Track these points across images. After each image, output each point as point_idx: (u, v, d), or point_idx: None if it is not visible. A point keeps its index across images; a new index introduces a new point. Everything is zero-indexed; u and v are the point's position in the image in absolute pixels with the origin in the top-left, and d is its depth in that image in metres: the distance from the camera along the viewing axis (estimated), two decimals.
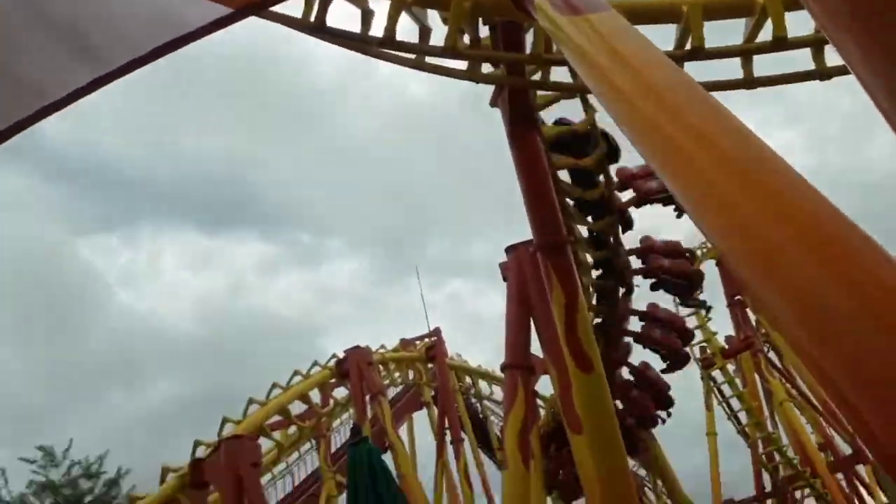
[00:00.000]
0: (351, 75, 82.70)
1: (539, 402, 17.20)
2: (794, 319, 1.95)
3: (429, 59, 7.08)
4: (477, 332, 73.81)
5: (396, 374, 25.10)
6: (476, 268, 78.31)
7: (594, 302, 12.81)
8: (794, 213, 2.05)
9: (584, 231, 11.73)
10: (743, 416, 24.31)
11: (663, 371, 16.02)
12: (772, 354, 27.28)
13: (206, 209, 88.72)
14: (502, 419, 13.64)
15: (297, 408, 19.13)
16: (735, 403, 24.14)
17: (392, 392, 25.10)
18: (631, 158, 12.01)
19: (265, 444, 17.95)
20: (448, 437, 23.54)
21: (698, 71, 6.58)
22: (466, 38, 7.02)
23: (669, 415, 16.95)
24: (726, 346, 24.33)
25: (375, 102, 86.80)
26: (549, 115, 9.57)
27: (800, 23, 6.71)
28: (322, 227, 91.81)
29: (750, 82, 6.88)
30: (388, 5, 6.78)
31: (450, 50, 6.89)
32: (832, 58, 6.80)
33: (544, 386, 14.43)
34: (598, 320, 13.25)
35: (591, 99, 9.26)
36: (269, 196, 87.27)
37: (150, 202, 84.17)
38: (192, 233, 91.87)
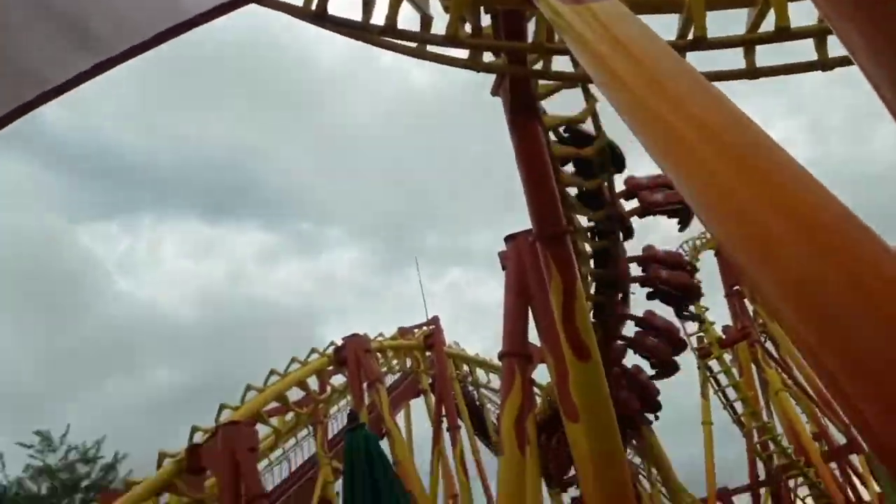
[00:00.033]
0: (353, 63, 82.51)
1: (535, 390, 17.34)
2: (791, 308, 1.96)
3: (430, 48, 7.05)
4: (475, 320, 74.14)
5: (394, 362, 25.17)
6: (476, 257, 78.51)
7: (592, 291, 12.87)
8: (795, 203, 2.06)
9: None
10: (739, 406, 24.45)
11: (652, 377, 16.20)
12: (768, 344, 27.43)
13: (206, 197, 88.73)
14: (499, 407, 13.69)
15: (294, 394, 19.20)
16: (731, 393, 24.26)
17: (390, 379, 25.18)
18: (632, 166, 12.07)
19: (262, 430, 18.03)
20: (445, 425, 23.65)
21: (700, 61, 6.57)
22: (468, 27, 6.99)
23: (657, 418, 17.10)
24: (723, 336, 24.42)
25: (377, 91, 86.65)
26: (549, 105, 9.56)
27: (803, 13, 6.69)
28: (322, 215, 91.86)
29: (752, 72, 6.86)
30: None
31: (451, 38, 6.86)
32: (835, 49, 6.79)
33: (541, 374, 14.53)
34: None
35: (593, 88, 9.24)
36: (269, 184, 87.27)
37: (150, 190, 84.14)
38: (193, 221, 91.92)
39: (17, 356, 51.71)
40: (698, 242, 26.96)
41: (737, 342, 24.93)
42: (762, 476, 25.66)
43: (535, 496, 11.43)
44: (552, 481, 19.30)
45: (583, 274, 11.11)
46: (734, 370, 24.42)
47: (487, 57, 7.49)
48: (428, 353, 25.96)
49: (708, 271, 27.67)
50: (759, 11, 6.70)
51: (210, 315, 78.03)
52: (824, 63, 6.83)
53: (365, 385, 19.52)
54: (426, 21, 6.90)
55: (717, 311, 26.99)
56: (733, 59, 6.93)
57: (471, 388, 29.82)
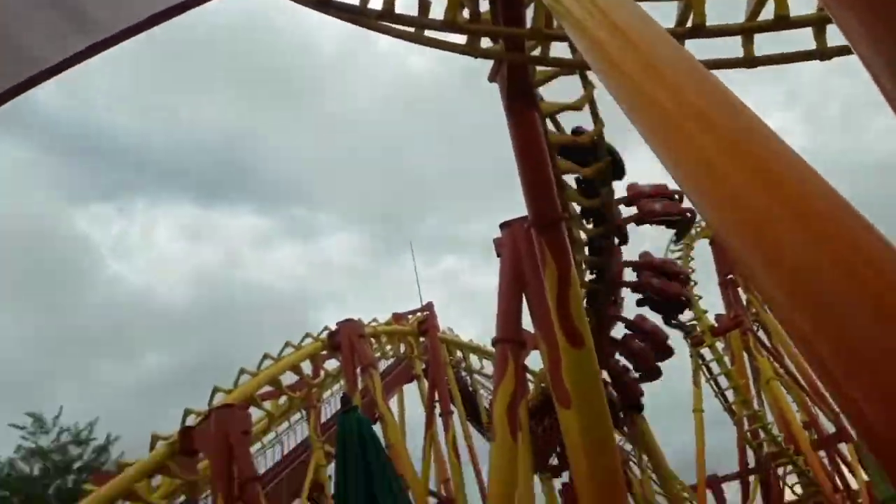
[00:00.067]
0: (350, 47, 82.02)
1: (528, 376, 17.41)
2: (785, 296, 1.97)
3: (428, 33, 7.01)
4: (469, 307, 74.29)
5: (388, 348, 25.23)
6: (471, 244, 78.58)
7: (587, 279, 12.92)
8: (790, 190, 2.06)
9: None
10: (730, 394, 24.61)
11: (635, 381, 16.37)
12: (761, 333, 27.56)
13: (200, 180, 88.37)
14: (491, 393, 13.77)
15: (288, 378, 19.24)
16: (723, 381, 24.41)
17: (383, 365, 25.26)
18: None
19: (255, 413, 18.07)
20: (437, 410, 23.74)
21: (699, 49, 6.55)
22: (466, 12, 6.95)
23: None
24: (716, 325, 24.53)
25: (374, 75, 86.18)
26: (547, 92, 9.53)
27: (802, 1, 6.68)
28: (317, 200, 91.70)
29: (751, 61, 6.84)
30: None
31: (449, 23, 6.82)
32: (833, 38, 6.78)
33: (534, 361, 14.61)
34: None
35: (591, 75, 9.22)
36: (264, 168, 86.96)
37: (144, 173, 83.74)
38: (187, 204, 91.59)
39: (10, 338, 51.64)
40: (693, 231, 27.03)
41: (729, 330, 25.06)
42: (752, 464, 25.87)
43: (526, 482, 11.54)
44: (543, 467, 19.42)
45: (577, 262, 11.15)
46: (726, 358, 24.55)
47: (485, 43, 7.46)
48: (422, 339, 26.03)
49: (702, 260, 27.82)
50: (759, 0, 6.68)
51: (203, 299, 77.99)
52: (823, 52, 6.82)
53: (358, 370, 19.56)
54: (424, 5, 6.86)
55: (711, 299, 27.13)
56: (732, 47, 6.93)
57: (464, 373, 29.95)
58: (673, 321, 16.11)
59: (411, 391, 27.13)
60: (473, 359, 30.02)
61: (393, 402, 24.86)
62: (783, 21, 6.69)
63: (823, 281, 1.84)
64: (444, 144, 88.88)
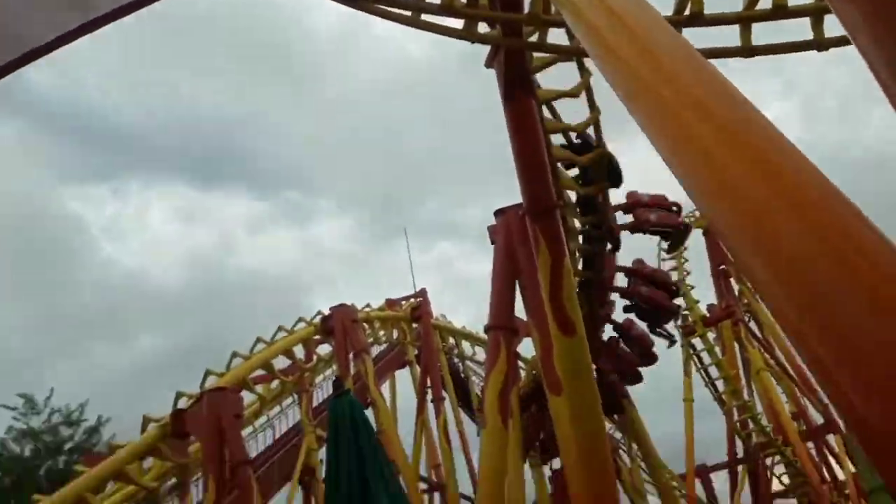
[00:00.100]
0: (348, 30, 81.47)
1: (520, 363, 17.48)
2: (780, 286, 1.97)
3: (425, 17, 6.96)
4: (463, 294, 74.32)
5: (381, 333, 25.27)
6: (465, 231, 78.52)
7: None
8: (787, 181, 2.06)
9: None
10: (720, 384, 24.76)
11: (618, 382, 16.54)
12: (752, 324, 27.69)
13: (196, 163, 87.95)
14: (483, 379, 13.82)
15: (280, 363, 19.25)
16: (713, 371, 24.55)
17: (376, 350, 25.30)
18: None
19: (247, 397, 18.09)
20: (429, 396, 23.81)
21: (696, 38, 6.53)
22: None
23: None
24: (707, 315, 24.63)
25: (371, 60, 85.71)
26: (544, 78, 9.49)
27: None
28: (312, 184, 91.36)
29: (748, 50, 6.83)
30: None
31: (446, 8, 6.78)
32: (831, 29, 6.77)
33: (526, 348, 14.66)
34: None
35: (588, 63, 9.17)
36: (259, 151, 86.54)
37: (138, 154, 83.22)
38: (181, 186, 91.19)
39: (1, 319, 51.48)
40: (688, 220, 27.06)
41: (721, 321, 25.17)
42: (740, 454, 26.06)
43: (516, 468, 11.60)
44: (533, 453, 19.53)
45: (571, 250, 11.16)
46: (717, 349, 24.67)
47: (483, 28, 7.41)
48: (415, 325, 26.07)
49: (696, 250, 27.90)
50: None
51: (197, 281, 77.82)
52: (820, 43, 6.81)
53: (351, 355, 19.59)
54: None
55: (703, 290, 27.24)
56: (729, 37, 6.91)
57: (456, 360, 30.01)
58: (658, 329, 16.29)
59: (403, 377, 27.23)
60: (466, 345, 30.10)
61: (385, 388, 24.94)
62: (781, 10, 6.67)
63: (819, 272, 1.84)
64: (441, 130, 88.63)
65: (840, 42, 6.62)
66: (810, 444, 24.98)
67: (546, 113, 9.64)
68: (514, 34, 7.47)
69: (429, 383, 23.92)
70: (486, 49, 8.16)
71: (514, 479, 11.52)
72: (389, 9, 6.85)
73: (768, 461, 25.42)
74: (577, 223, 11.88)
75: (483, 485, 10.36)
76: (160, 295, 71.13)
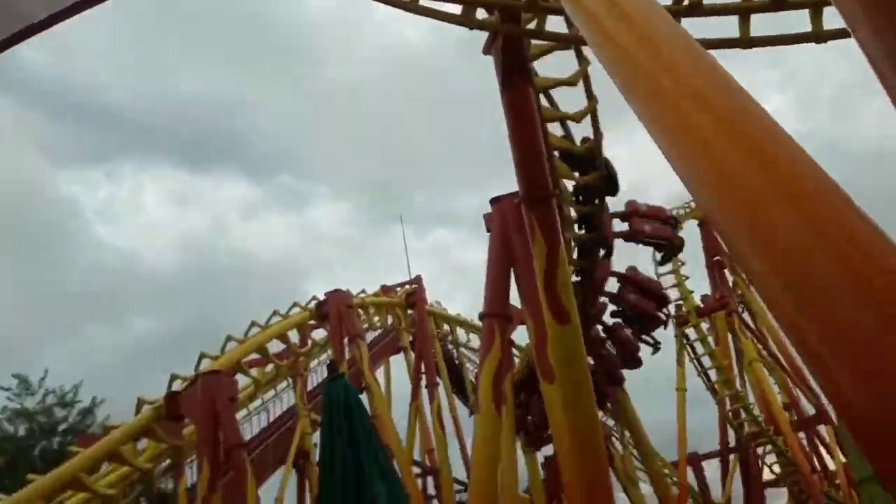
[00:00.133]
0: (346, 15, 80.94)
1: (514, 350, 17.52)
2: (776, 277, 1.97)
3: (423, 2, 6.93)
4: (459, 281, 74.41)
5: (376, 319, 25.31)
6: (461, 218, 78.44)
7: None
8: (784, 172, 2.06)
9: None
10: (713, 374, 24.87)
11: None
12: (746, 315, 27.79)
13: (190, 146, 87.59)
14: (477, 366, 13.88)
15: (275, 347, 19.29)
16: (706, 361, 24.65)
17: (371, 336, 25.34)
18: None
19: (242, 380, 18.12)
20: (423, 381, 23.90)
21: (695, 29, 6.50)
22: None
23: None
24: (702, 305, 24.70)
25: (369, 46, 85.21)
26: (541, 66, 9.44)
27: None
28: (308, 169, 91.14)
29: (747, 42, 6.81)
30: None
31: None
32: (830, 21, 6.75)
33: (520, 336, 14.72)
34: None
35: (586, 51, 9.13)
36: (255, 136, 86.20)
37: (132, 136, 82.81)
38: (175, 169, 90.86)
39: None
40: (682, 212, 27.11)
41: (714, 311, 25.26)
42: (732, 443, 26.23)
43: (509, 454, 11.63)
44: (526, 439, 19.61)
45: (566, 239, 11.16)
46: (710, 339, 24.77)
47: (481, 14, 7.37)
48: (409, 312, 26.11)
49: (691, 241, 27.92)
50: None
51: (191, 264, 77.79)
52: (819, 35, 6.79)
53: (346, 340, 19.62)
54: None
55: (698, 280, 27.31)
56: (728, 28, 6.89)
57: (450, 346, 30.09)
58: (643, 337, 16.45)
59: (398, 362, 27.31)
60: (460, 332, 30.19)
61: (379, 373, 25.02)
62: (780, 2, 6.66)
63: (814, 263, 1.85)
64: (439, 117, 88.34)
65: (838, 35, 6.61)
66: (801, 435, 25.18)
67: (543, 101, 9.60)
68: (512, 21, 7.43)
69: (423, 369, 24.00)
70: (485, 35, 8.12)
71: (508, 465, 11.55)
72: None
73: (760, 450, 25.62)
74: (573, 212, 11.88)
75: (476, 470, 10.42)
76: (154, 278, 71.13)
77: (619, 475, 19.33)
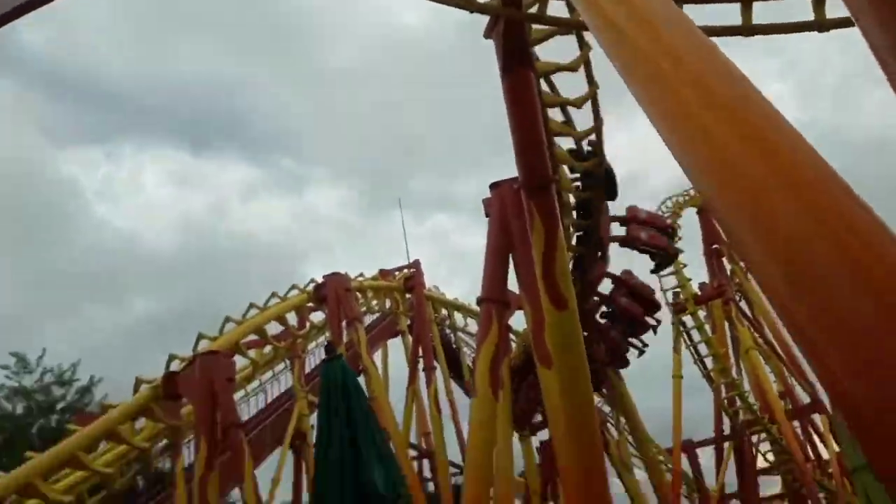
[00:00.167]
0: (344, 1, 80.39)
1: (511, 335, 17.57)
2: (777, 266, 1.97)
3: None
4: (457, 266, 74.48)
5: (374, 302, 25.34)
6: (460, 203, 78.35)
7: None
8: (785, 160, 2.06)
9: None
10: (709, 362, 24.96)
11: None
12: (743, 304, 27.84)
13: (190, 127, 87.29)
14: (475, 351, 13.92)
15: (273, 329, 19.32)
16: (703, 349, 24.72)
17: (369, 319, 25.38)
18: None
19: (240, 361, 18.17)
20: (421, 365, 23.97)
21: (696, 16, 6.46)
22: None
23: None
24: (699, 293, 24.74)
25: (370, 30, 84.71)
26: (542, 52, 9.38)
27: None
28: (308, 153, 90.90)
29: (749, 29, 6.77)
30: None
31: None
32: (832, 11, 6.72)
33: (518, 321, 14.76)
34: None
35: (587, 36, 9.08)
36: (256, 118, 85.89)
37: (133, 116, 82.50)
38: (176, 150, 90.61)
39: None
40: (681, 199, 27.11)
41: (712, 299, 25.29)
42: (727, 430, 26.37)
43: (505, 438, 11.70)
44: (522, 424, 19.73)
45: (565, 226, 11.16)
46: (707, 327, 24.83)
47: None
48: (407, 296, 26.15)
49: (689, 229, 27.93)
50: None
51: (191, 245, 77.80)
52: (821, 24, 6.76)
53: (344, 323, 19.65)
54: None
55: (695, 268, 27.35)
56: (730, 15, 6.85)
57: (448, 331, 30.17)
58: (631, 339, 16.52)
59: (395, 346, 27.38)
60: (458, 317, 30.27)
61: (377, 357, 25.09)
62: None
63: (814, 252, 1.85)
64: (439, 101, 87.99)
65: (840, 24, 6.57)
66: (796, 423, 25.30)
67: (544, 86, 9.55)
68: (513, 4, 7.38)
69: (420, 353, 24.07)
70: (485, 20, 8.06)
71: (503, 449, 11.62)
72: None
73: (754, 438, 25.73)
74: (571, 199, 11.88)
75: (472, 453, 10.48)
76: (153, 258, 71.18)
77: (614, 461, 19.47)
